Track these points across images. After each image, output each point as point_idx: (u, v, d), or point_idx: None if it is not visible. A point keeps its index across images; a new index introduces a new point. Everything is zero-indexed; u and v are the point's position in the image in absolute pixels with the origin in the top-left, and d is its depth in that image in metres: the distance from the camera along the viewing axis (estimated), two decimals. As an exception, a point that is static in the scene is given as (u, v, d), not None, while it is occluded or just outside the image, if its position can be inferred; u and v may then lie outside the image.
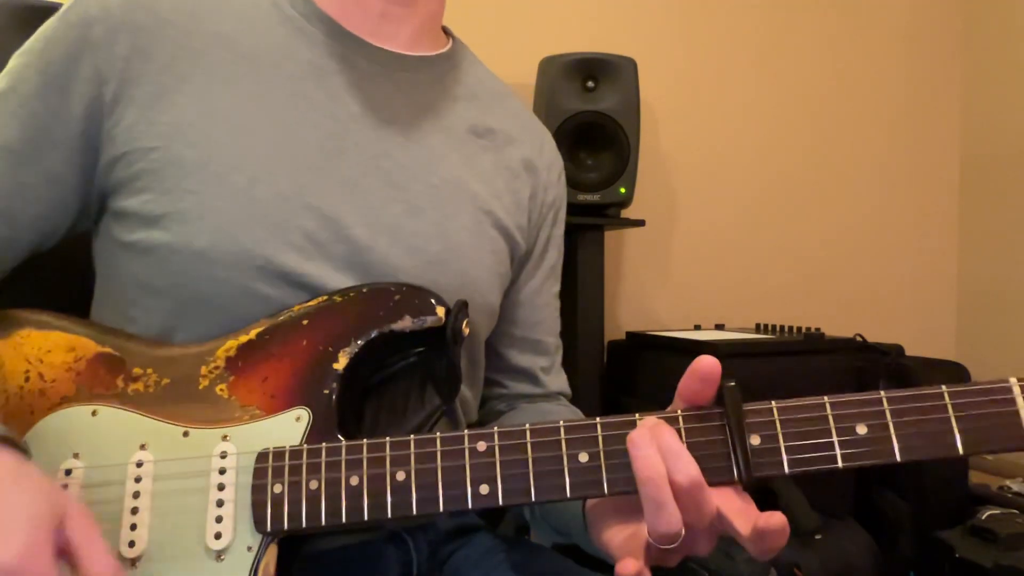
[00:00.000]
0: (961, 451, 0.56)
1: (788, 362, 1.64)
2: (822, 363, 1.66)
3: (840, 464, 0.57)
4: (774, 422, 0.58)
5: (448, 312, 0.69)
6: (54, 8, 0.74)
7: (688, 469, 0.55)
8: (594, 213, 1.78)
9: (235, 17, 0.75)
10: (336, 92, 0.76)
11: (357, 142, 0.75)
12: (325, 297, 0.69)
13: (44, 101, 0.70)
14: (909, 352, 1.91)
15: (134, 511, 0.61)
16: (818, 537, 1.47)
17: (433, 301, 0.69)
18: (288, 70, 0.75)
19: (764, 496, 1.51)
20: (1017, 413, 0.56)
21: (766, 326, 1.86)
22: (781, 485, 1.50)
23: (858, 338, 1.85)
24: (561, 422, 0.60)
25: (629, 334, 1.93)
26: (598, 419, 0.60)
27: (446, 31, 0.90)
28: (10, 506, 0.52)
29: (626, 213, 1.84)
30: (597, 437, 0.59)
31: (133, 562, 0.60)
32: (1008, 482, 1.80)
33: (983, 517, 1.57)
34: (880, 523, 1.68)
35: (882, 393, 0.57)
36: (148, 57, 0.71)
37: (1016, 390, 0.56)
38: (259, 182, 0.70)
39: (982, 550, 1.50)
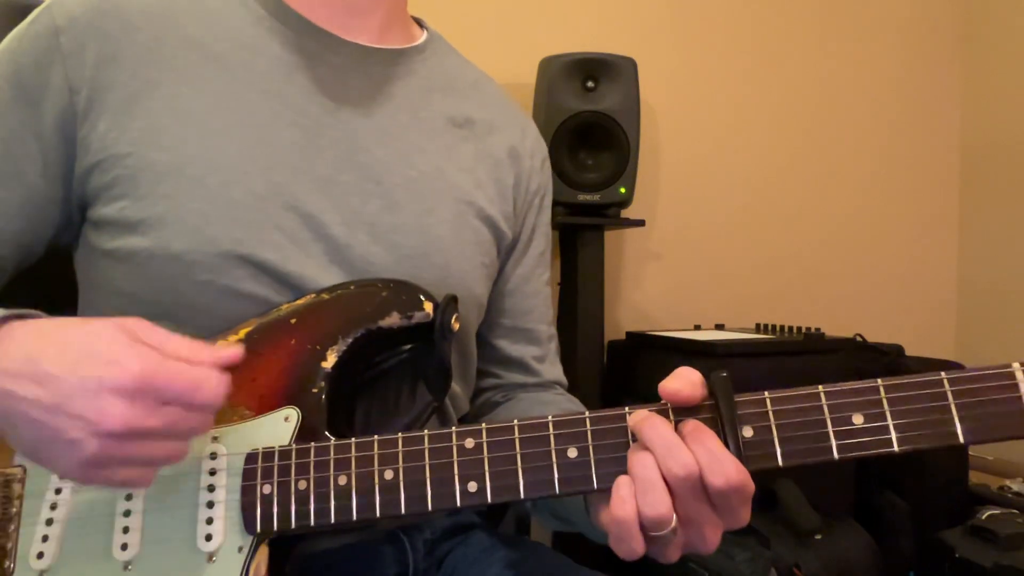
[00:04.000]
0: (962, 440, 0.54)
1: (788, 362, 1.64)
2: (822, 363, 1.65)
3: (836, 455, 0.55)
4: (767, 413, 0.56)
5: (436, 307, 0.69)
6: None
7: (686, 460, 0.54)
8: (594, 213, 1.78)
9: (204, 19, 0.74)
10: (308, 88, 0.75)
11: (332, 138, 0.75)
12: (313, 295, 0.69)
13: (17, 115, 0.69)
14: (909, 352, 1.91)
15: (126, 514, 0.61)
16: (818, 537, 1.46)
17: (421, 297, 0.69)
18: (259, 69, 0.74)
19: (764, 497, 1.51)
20: (1020, 399, 0.53)
21: (766, 326, 1.86)
22: (781, 485, 1.50)
23: (858, 338, 1.85)
24: (550, 417, 0.59)
25: (629, 334, 1.93)
26: (587, 414, 0.59)
27: (421, 23, 0.89)
28: (96, 339, 0.53)
29: (626, 213, 1.83)
30: (586, 432, 0.58)
31: (125, 565, 0.60)
32: (1008, 482, 1.79)
33: (983, 517, 1.57)
34: (880, 523, 1.67)
35: (879, 381, 0.55)
36: (118, 64, 0.70)
37: (1019, 375, 0.54)
38: (234, 183, 0.70)
39: (982, 550, 1.49)
